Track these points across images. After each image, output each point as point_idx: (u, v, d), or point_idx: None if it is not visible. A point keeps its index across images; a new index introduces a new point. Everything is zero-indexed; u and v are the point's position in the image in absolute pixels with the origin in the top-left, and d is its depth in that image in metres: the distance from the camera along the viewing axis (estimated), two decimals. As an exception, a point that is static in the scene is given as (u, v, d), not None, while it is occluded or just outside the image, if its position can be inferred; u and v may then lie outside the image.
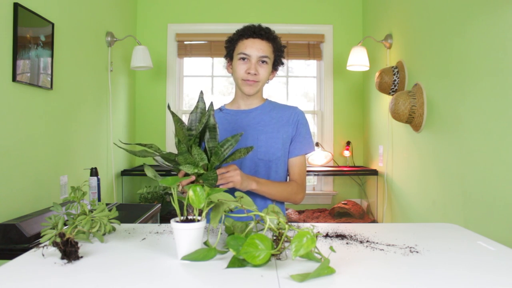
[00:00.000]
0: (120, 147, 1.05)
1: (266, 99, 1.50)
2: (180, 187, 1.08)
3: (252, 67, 1.35)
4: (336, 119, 3.56)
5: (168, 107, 1.13)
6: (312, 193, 3.53)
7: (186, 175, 1.08)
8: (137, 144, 1.05)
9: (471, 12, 1.76)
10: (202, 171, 1.04)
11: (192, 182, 1.07)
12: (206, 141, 1.09)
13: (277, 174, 1.41)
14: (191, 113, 1.10)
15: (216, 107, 1.48)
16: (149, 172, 1.02)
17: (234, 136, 1.09)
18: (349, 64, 2.99)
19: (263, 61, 1.37)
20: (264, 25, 1.40)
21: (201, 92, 1.13)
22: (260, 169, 1.39)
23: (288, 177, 1.47)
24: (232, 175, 1.20)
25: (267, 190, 1.32)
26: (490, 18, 1.62)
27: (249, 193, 1.33)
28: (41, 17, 1.89)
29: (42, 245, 0.90)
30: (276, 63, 1.43)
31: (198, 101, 1.12)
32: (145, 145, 1.04)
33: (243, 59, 1.36)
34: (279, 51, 1.42)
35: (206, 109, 1.10)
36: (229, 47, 1.43)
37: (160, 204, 2.51)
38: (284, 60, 1.47)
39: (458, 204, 1.88)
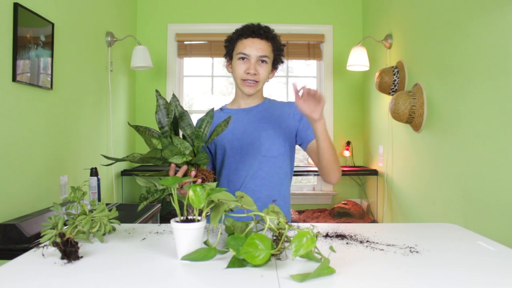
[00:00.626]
0: (113, 159, 1.06)
1: (266, 97, 1.50)
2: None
3: (252, 67, 1.35)
4: (336, 119, 3.56)
5: (129, 123, 1.14)
6: (312, 193, 3.53)
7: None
8: (119, 159, 1.05)
9: (472, 12, 1.76)
10: (190, 158, 1.05)
11: (185, 174, 1.08)
12: (182, 130, 1.10)
13: (282, 170, 1.40)
14: (156, 113, 1.10)
15: (216, 107, 1.48)
16: (141, 182, 1.02)
17: (208, 113, 1.11)
18: (349, 64, 2.99)
19: (262, 61, 1.36)
20: (263, 24, 1.40)
21: (157, 91, 1.14)
22: (264, 166, 1.38)
23: (291, 175, 1.47)
24: (321, 96, 1.17)
25: (328, 138, 1.26)
26: (491, 18, 1.62)
27: (256, 186, 1.33)
28: (41, 17, 1.89)
29: (42, 245, 0.90)
30: (276, 62, 1.43)
31: (157, 100, 1.11)
32: (127, 157, 1.04)
33: (243, 58, 1.36)
34: (279, 50, 1.42)
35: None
36: (229, 47, 1.42)
37: (160, 204, 2.51)
38: (284, 60, 1.47)
39: (458, 204, 1.88)
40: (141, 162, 1.05)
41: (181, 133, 1.13)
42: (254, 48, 1.35)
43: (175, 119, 1.10)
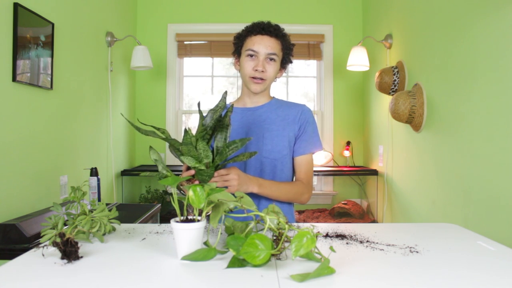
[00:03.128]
0: (128, 120, 1.05)
1: (273, 97, 1.48)
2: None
3: (260, 64, 1.33)
4: (336, 119, 3.56)
5: (198, 105, 1.12)
6: (312, 193, 3.52)
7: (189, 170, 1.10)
8: (151, 126, 1.04)
9: (472, 12, 1.76)
10: (203, 167, 1.04)
11: (189, 180, 1.08)
12: (216, 140, 1.10)
13: (283, 173, 1.39)
14: (211, 109, 1.09)
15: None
16: (153, 155, 1.01)
17: (242, 140, 1.07)
18: (349, 64, 2.99)
19: (271, 59, 1.34)
20: (273, 23, 1.38)
21: (225, 92, 1.12)
22: (265, 167, 1.37)
23: (294, 177, 1.45)
24: (229, 179, 1.16)
25: (270, 192, 1.30)
26: (491, 18, 1.62)
27: (254, 194, 1.32)
28: (41, 17, 1.89)
29: (42, 245, 0.90)
30: (285, 61, 1.41)
31: (220, 100, 1.10)
32: (158, 129, 1.04)
33: (251, 55, 1.34)
34: (288, 49, 1.40)
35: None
36: (237, 44, 1.40)
37: (160, 204, 2.51)
38: (292, 60, 1.46)
39: (458, 204, 1.88)
40: (157, 137, 1.04)
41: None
42: (263, 45, 1.33)
43: (217, 125, 1.09)
